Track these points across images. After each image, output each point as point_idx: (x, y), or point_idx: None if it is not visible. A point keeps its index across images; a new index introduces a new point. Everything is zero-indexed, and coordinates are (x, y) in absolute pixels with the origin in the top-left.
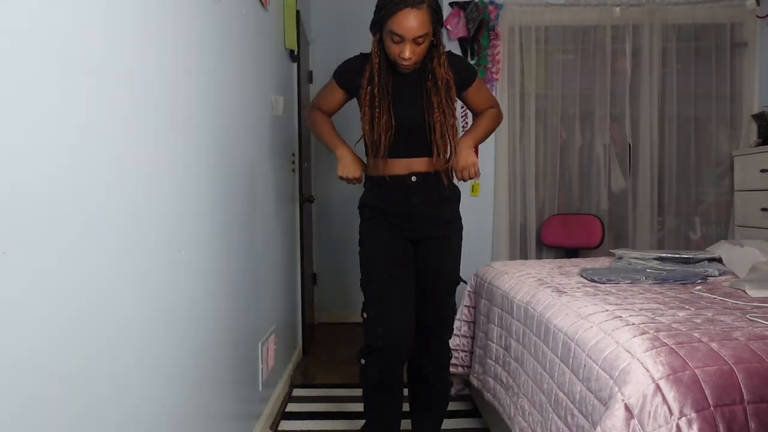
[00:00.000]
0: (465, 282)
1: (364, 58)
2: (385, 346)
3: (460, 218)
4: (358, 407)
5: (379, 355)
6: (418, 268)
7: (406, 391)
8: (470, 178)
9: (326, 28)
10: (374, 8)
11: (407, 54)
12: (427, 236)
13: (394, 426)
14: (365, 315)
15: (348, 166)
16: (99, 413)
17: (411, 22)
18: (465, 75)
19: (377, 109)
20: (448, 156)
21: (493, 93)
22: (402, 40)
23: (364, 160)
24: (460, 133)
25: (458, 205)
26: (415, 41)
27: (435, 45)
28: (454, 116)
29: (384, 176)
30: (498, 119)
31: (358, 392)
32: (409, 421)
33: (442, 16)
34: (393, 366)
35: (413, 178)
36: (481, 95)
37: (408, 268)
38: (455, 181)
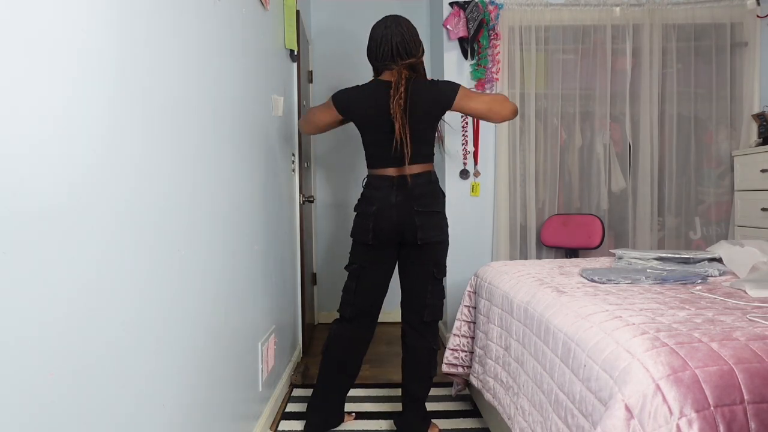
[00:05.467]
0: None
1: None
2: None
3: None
4: (358, 407)
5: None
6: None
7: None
8: None
9: (326, 28)
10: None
11: None
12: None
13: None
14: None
15: None
16: (99, 413)
17: None
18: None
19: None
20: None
21: (494, 93)
22: None
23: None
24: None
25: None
26: None
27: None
28: None
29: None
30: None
31: (358, 392)
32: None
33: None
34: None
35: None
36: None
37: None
38: None
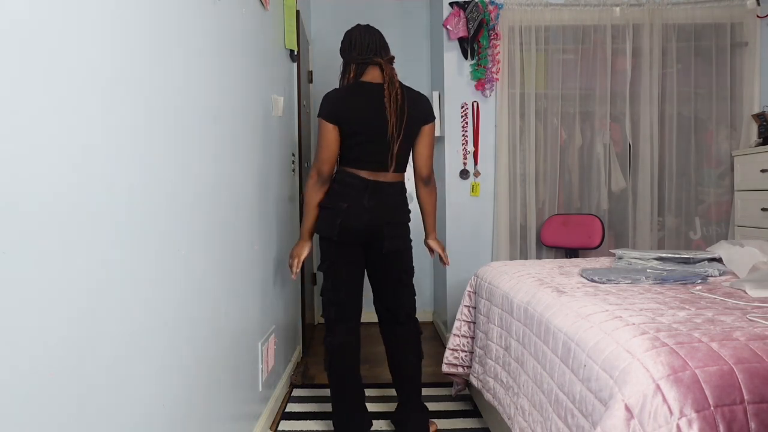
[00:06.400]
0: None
1: None
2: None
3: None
4: None
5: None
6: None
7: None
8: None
9: (326, 28)
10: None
11: None
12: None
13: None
14: None
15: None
16: (99, 414)
17: None
18: None
19: None
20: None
21: (493, 93)
22: None
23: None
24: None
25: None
26: None
27: None
28: None
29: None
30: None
31: None
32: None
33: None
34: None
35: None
36: None
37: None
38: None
